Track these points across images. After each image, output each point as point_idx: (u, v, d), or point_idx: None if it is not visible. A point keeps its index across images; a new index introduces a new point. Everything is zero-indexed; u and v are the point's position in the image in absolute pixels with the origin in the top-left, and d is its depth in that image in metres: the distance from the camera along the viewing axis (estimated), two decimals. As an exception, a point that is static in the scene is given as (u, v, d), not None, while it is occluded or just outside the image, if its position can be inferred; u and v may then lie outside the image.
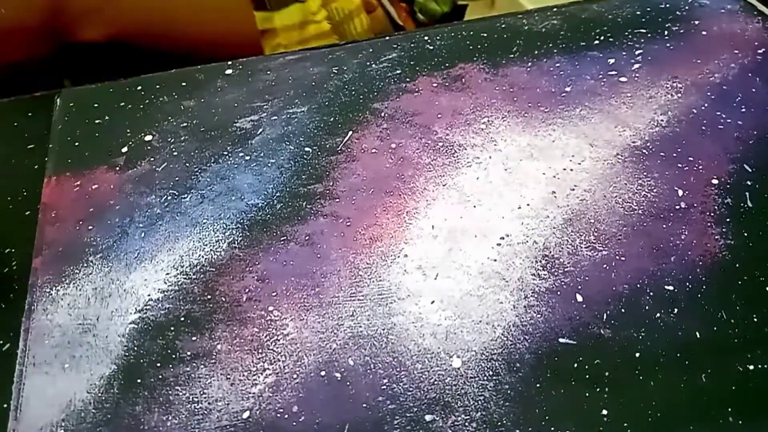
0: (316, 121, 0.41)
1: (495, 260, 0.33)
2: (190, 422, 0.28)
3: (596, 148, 0.38)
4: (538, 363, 0.29)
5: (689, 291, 0.31)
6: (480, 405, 0.28)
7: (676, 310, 0.31)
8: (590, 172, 0.37)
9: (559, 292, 0.32)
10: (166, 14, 0.45)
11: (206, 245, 0.35)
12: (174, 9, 0.44)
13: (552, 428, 0.27)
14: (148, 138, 0.41)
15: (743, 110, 0.39)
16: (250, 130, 0.40)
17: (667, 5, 0.46)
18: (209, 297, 0.33)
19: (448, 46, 0.45)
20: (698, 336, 0.30)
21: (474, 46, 0.45)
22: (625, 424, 0.27)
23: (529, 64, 0.43)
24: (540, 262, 0.33)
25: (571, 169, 0.37)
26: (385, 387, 0.29)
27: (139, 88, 0.44)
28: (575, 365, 0.29)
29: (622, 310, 0.31)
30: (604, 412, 0.28)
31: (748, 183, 0.36)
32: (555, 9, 0.47)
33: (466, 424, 0.28)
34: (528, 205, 0.35)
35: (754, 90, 0.40)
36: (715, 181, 0.36)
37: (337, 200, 0.36)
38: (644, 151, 0.38)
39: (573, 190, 0.36)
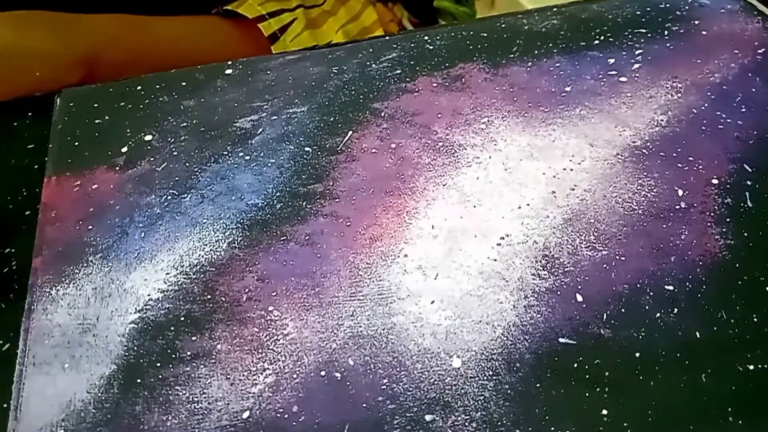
0: (316, 121, 0.41)
1: (495, 260, 0.33)
2: (190, 422, 0.28)
3: (596, 148, 0.38)
4: (538, 363, 0.29)
5: (689, 291, 0.31)
6: (480, 405, 0.28)
7: (676, 310, 0.31)
8: (590, 172, 0.37)
9: (559, 292, 0.32)
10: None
11: (206, 245, 0.35)
12: (199, 61, 0.46)
13: (552, 428, 0.27)
14: (148, 138, 0.41)
15: (743, 110, 0.39)
16: (250, 130, 0.40)
17: (667, 5, 0.46)
18: (209, 297, 0.33)
19: (448, 46, 0.45)
20: (698, 336, 0.30)
21: (474, 46, 0.45)
22: (625, 424, 0.27)
23: (529, 64, 0.43)
24: (540, 262, 0.33)
25: (571, 169, 0.37)
26: (385, 387, 0.29)
27: (139, 88, 0.44)
28: (575, 365, 0.29)
29: (622, 310, 0.31)
30: (604, 412, 0.28)
31: (748, 183, 0.36)
32: (555, 9, 0.47)
33: (466, 424, 0.28)
34: (528, 205, 0.35)
35: (754, 90, 0.40)
36: (715, 181, 0.36)
37: (337, 200, 0.36)
38: (644, 151, 0.38)
39: (573, 190, 0.36)
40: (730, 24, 0.45)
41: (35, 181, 0.39)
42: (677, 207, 0.35)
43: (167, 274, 0.34)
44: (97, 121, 0.42)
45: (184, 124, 0.41)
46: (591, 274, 0.32)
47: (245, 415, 0.29)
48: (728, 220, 0.34)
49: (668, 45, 0.44)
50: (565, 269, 0.32)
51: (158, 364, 0.30)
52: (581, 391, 0.28)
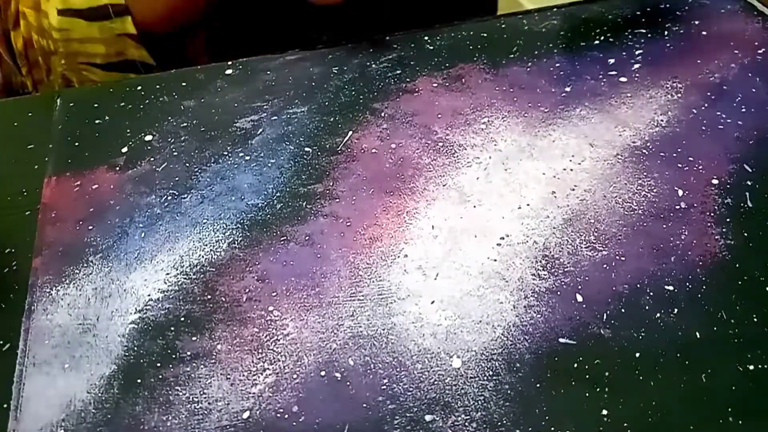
0: (316, 121, 0.41)
1: (495, 260, 0.33)
2: (190, 422, 0.28)
3: (596, 148, 0.38)
4: (538, 363, 0.29)
5: (689, 291, 0.31)
6: (480, 405, 0.28)
7: (676, 310, 0.31)
8: (590, 172, 0.37)
9: (559, 292, 0.32)
10: None
11: (206, 245, 0.35)
12: None
13: (552, 428, 0.27)
14: (148, 138, 0.41)
15: (743, 110, 0.39)
16: (250, 130, 0.40)
17: (667, 5, 0.46)
18: (209, 297, 0.33)
19: (448, 46, 0.45)
20: (698, 336, 0.30)
21: (474, 46, 0.45)
22: (625, 424, 0.27)
23: (529, 64, 0.43)
24: (540, 262, 0.33)
25: (571, 169, 0.37)
26: (385, 387, 0.29)
27: (139, 88, 0.44)
28: (575, 365, 0.29)
29: (622, 310, 0.31)
30: (604, 412, 0.28)
31: (748, 183, 0.36)
32: (555, 9, 0.47)
33: (466, 424, 0.28)
34: (528, 205, 0.35)
35: (754, 90, 0.40)
36: (715, 181, 0.36)
37: (337, 200, 0.36)
38: (644, 151, 0.38)
39: (573, 190, 0.36)
40: (730, 24, 0.45)
41: (35, 181, 0.39)
42: (677, 207, 0.35)
43: (167, 274, 0.34)
44: (97, 121, 0.42)
45: (184, 124, 0.41)
46: (591, 274, 0.32)
47: (245, 415, 0.29)
48: (728, 220, 0.34)
49: (668, 45, 0.44)
50: (565, 269, 0.32)
51: (158, 364, 0.30)
52: (581, 391, 0.28)
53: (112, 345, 0.31)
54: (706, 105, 0.40)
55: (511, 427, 0.28)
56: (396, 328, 0.31)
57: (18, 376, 0.30)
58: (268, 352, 0.30)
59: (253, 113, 0.41)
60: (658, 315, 0.31)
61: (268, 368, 0.30)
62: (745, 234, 0.33)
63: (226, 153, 0.39)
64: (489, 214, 0.35)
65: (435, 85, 0.42)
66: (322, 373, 0.30)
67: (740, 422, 0.27)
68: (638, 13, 0.46)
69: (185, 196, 0.37)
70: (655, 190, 0.36)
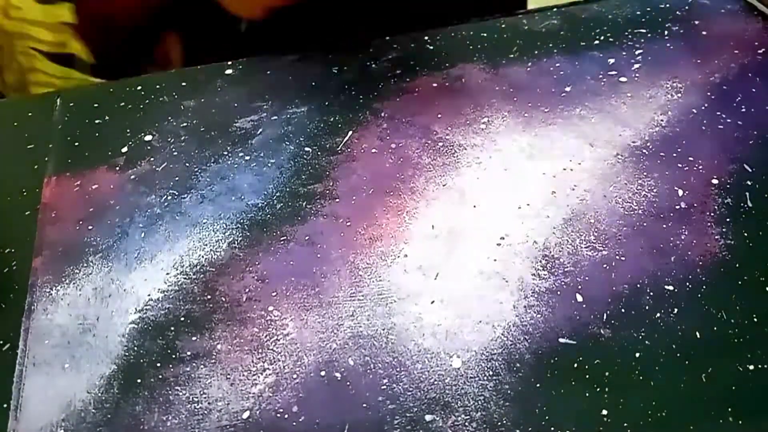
0: (316, 121, 0.41)
1: (495, 260, 0.33)
2: (190, 422, 0.28)
3: (596, 148, 0.38)
4: (538, 363, 0.29)
5: (689, 291, 0.31)
6: (480, 405, 0.28)
7: (676, 310, 0.31)
8: (590, 172, 0.37)
9: (559, 292, 0.32)
10: None
11: (206, 245, 0.35)
12: None
13: (552, 428, 0.27)
14: (148, 138, 0.41)
15: (743, 110, 0.39)
16: (250, 130, 0.40)
17: (667, 5, 0.46)
18: (209, 297, 0.33)
19: (448, 46, 0.45)
20: (698, 336, 0.30)
21: (474, 46, 0.45)
22: (625, 424, 0.27)
23: (529, 64, 0.43)
24: (540, 262, 0.33)
25: (571, 169, 0.37)
26: (385, 387, 0.29)
27: (139, 88, 0.44)
28: (575, 365, 0.29)
29: (622, 310, 0.31)
30: (604, 412, 0.28)
31: (748, 183, 0.36)
32: (555, 9, 0.47)
33: (466, 424, 0.28)
34: (528, 205, 0.35)
35: (754, 90, 0.40)
36: (715, 181, 0.36)
37: (337, 200, 0.36)
38: (644, 151, 0.38)
39: (573, 190, 0.36)
40: (730, 24, 0.45)
41: (35, 181, 0.39)
42: (677, 207, 0.35)
43: (167, 274, 0.34)
44: (97, 121, 0.42)
45: (184, 124, 0.41)
46: (591, 274, 0.32)
47: (245, 415, 0.29)
48: (728, 220, 0.34)
49: (668, 45, 0.44)
50: (565, 269, 0.32)
51: (158, 364, 0.30)
52: (581, 391, 0.28)
53: (112, 345, 0.31)
54: (706, 105, 0.40)
55: (511, 427, 0.28)
56: (396, 328, 0.31)
57: (18, 376, 0.30)
58: (268, 352, 0.30)
59: (253, 113, 0.41)
60: (658, 315, 0.31)
61: (268, 368, 0.30)
62: (745, 234, 0.33)
63: (226, 153, 0.39)
64: (489, 214, 0.35)
65: (435, 85, 0.42)
66: (322, 373, 0.30)
67: (740, 422, 0.27)
68: (638, 13, 0.46)
69: (185, 196, 0.37)
70: (655, 190, 0.36)
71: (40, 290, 0.33)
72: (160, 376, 0.30)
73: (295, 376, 0.30)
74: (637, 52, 0.43)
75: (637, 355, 0.29)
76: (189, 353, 0.31)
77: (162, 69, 0.48)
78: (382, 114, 0.41)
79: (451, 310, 0.31)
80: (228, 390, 0.29)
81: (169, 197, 0.37)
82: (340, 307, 0.32)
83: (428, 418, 0.28)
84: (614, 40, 0.44)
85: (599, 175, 0.37)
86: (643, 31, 0.45)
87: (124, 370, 0.30)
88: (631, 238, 0.33)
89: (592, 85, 0.41)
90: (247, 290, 0.33)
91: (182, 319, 0.32)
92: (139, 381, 0.30)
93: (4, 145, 0.42)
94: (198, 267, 0.34)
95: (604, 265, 0.32)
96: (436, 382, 0.29)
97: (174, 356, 0.31)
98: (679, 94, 0.41)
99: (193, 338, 0.31)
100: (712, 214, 0.34)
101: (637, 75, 0.42)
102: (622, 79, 0.42)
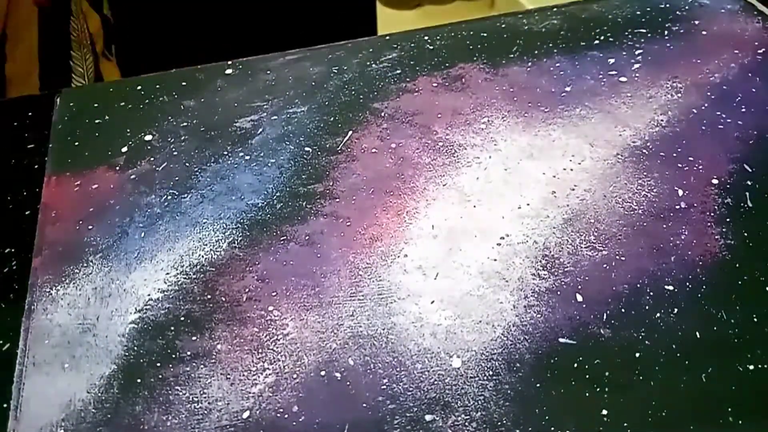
0: (316, 121, 0.41)
1: (495, 260, 0.33)
2: (190, 422, 0.28)
3: (596, 148, 0.38)
4: (538, 363, 0.29)
5: (689, 291, 0.31)
6: (480, 405, 0.28)
7: (676, 310, 0.31)
8: (590, 172, 0.37)
9: (559, 292, 0.32)
10: None
11: (206, 245, 0.35)
12: None
13: (552, 428, 0.27)
14: (148, 138, 0.41)
15: (743, 110, 0.39)
16: (250, 130, 0.40)
17: (667, 5, 0.46)
18: (209, 297, 0.33)
19: (448, 46, 0.45)
20: (698, 336, 0.30)
21: (474, 46, 0.45)
22: (625, 424, 0.27)
23: (529, 64, 0.43)
24: (540, 262, 0.33)
25: (571, 169, 0.37)
26: (385, 387, 0.29)
27: (139, 88, 0.44)
28: (575, 365, 0.29)
29: (622, 310, 0.31)
30: (604, 412, 0.28)
31: (748, 183, 0.36)
32: (555, 9, 0.47)
33: (466, 424, 0.28)
34: (528, 205, 0.35)
35: (754, 90, 0.40)
36: (715, 181, 0.36)
37: (337, 200, 0.36)
38: (644, 151, 0.38)
39: (573, 190, 0.36)
40: (730, 24, 0.45)
41: (35, 181, 0.39)
42: (677, 207, 0.35)
43: (167, 274, 0.34)
44: (97, 121, 0.42)
45: (184, 124, 0.41)
46: (591, 274, 0.32)
47: (245, 415, 0.29)
48: (728, 220, 0.34)
49: (668, 45, 0.44)
50: (565, 269, 0.32)
51: (158, 364, 0.30)
52: (581, 391, 0.28)
53: (112, 345, 0.31)
54: (706, 105, 0.40)
55: (511, 427, 0.28)
56: (396, 328, 0.31)
57: (18, 376, 0.30)
58: (268, 351, 0.30)
59: (253, 113, 0.42)
60: (658, 315, 0.31)
61: (268, 368, 0.30)
62: (745, 234, 0.33)
63: (226, 153, 0.39)
64: (489, 213, 0.35)
65: (435, 85, 0.42)
66: (322, 373, 0.30)
67: (740, 422, 0.27)
68: (638, 13, 0.46)
69: (185, 195, 0.37)
70: (655, 190, 0.36)
71: (40, 290, 0.33)
72: (160, 376, 0.30)
73: (295, 375, 0.30)
74: (637, 52, 0.43)
75: (637, 355, 0.29)
76: (189, 353, 0.31)
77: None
78: (382, 114, 0.41)
79: (451, 310, 0.31)
80: (228, 390, 0.29)
81: (169, 197, 0.37)
82: (340, 307, 0.32)
83: (428, 417, 0.28)
84: (614, 40, 0.44)
85: (599, 175, 0.37)
86: (643, 31, 0.45)
87: (124, 370, 0.30)
88: (631, 238, 0.33)
89: (592, 85, 0.41)
90: (247, 290, 0.33)
91: (182, 319, 0.32)
92: (139, 381, 0.30)
93: (4, 145, 0.42)
94: (198, 267, 0.34)
95: (604, 265, 0.32)
96: (436, 382, 0.29)
97: (174, 356, 0.31)
98: (679, 94, 0.41)
99: (193, 338, 0.31)
100: (712, 214, 0.34)
101: (637, 75, 0.42)
102: (622, 79, 0.42)
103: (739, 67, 0.42)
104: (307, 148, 0.39)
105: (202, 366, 0.30)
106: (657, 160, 0.37)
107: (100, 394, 0.29)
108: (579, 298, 0.31)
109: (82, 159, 0.40)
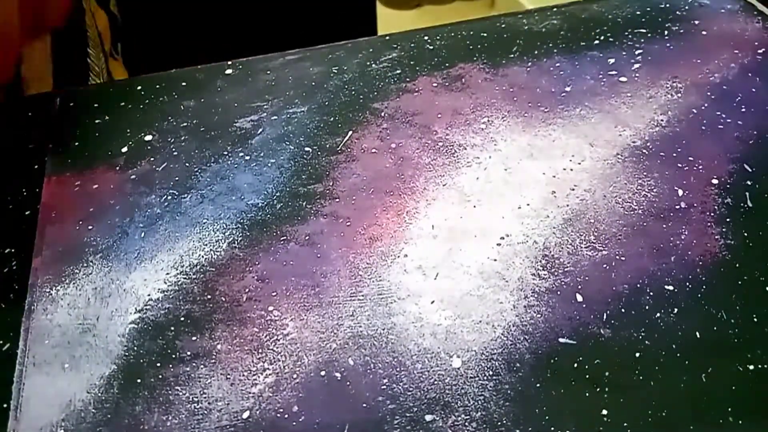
0: (316, 121, 0.41)
1: (495, 260, 0.33)
2: (190, 422, 0.28)
3: (596, 148, 0.38)
4: (538, 363, 0.29)
5: (689, 291, 0.31)
6: (480, 405, 0.28)
7: (676, 310, 0.31)
8: (590, 172, 0.37)
9: (559, 292, 0.32)
10: None
11: (206, 245, 0.35)
12: None
13: (552, 428, 0.27)
14: (148, 138, 0.41)
15: (743, 110, 0.39)
16: (250, 130, 0.40)
17: (667, 5, 0.46)
18: (209, 297, 0.33)
19: (448, 46, 0.45)
20: (698, 336, 0.30)
21: (474, 46, 0.45)
22: (625, 424, 0.27)
23: (529, 64, 0.43)
24: (540, 262, 0.33)
25: (571, 169, 0.37)
26: (385, 387, 0.29)
27: (139, 88, 0.44)
28: (575, 365, 0.29)
29: (622, 310, 0.31)
30: (604, 412, 0.28)
31: (748, 183, 0.36)
32: (555, 9, 0.47)
33: (466, 424, 0.28)
34: (528, 205, 0.35)
35: (754, 90, 0.40)
36: (715, 181, 0.36)
37: (337, 200, 0.36)
38: (644, 151, 0.38)
39: (573, 190, 0.36)
40: (730, 24, 0.45)
41: (35, 181, 0.39)
42: (677, 207, 0.35)
43: (167, 274, 0.34)
44: (97, 121, 0.42)
45: (184, 124, 0.41)
46: (591, 274, 0.32)
47: (245, 415, 0.29)
48: (728, 220, 0.34)
49: (668, 45, 0.44)
50: (565, 269, 0.32)
51: (158, 364, 0.30)
52: (581, 391, 0.28)
53: (112, 345, 0.31)
54: (706, 105, 0.40)
55: (511, 427, 0.28)
56: (396, 328, 0.31)
57: (18, 376, 0.30)
58: (268, 352, 0.30)
59: (253, 113, 0.42)
60: (658, 315, 0.31)
61: (268, 368, 0.30)
62: (745, 234, 0.33)
63: (226, 153, 0.39)
64: (489, 214, 0.35)
65: (435, 85, 0.42)
66: (322, 373, 0.30)
67: (740, 422, 0.27)
68: (638, 13, 0.46)
69: (185, 196, 0.37)
70: (655, 190, 0.36)
71: (40, 290, 0.33)
72: (160, 376, 0.30)
73: (295, 376, 0.30)
74: (637, 52, 0.43)
75: (637, 355, 0.29)
76: (189, 353, 0.31)
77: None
78: (382, 114, 0.41)
79: (451, 310, 0.31)
80: (228, 390, 0.29)
81: (169, 197, 0.37)
82: (340, 307, 0.32)
83: (428, 418, 0.28)
84: (614, 40, 0.44)
85: (599, 175, 0.37)
86: (643, 31, 0.45)
87: (124, 370, 0.30)
88: (631, 238, 0.34)
89: (592, 85, 0.41)
90: (247, 290, 0.33)
91: (182, 319, 0.32)
92: (139, 381, 0.30)
93: (4, 145, 0.42)
94: (198, 267, 0.34)
95: (604, 265, 0.33)
96: (436, 382, 0.29)
97: (174, 356, 0.31)
98: (679, 94, 0.41)
99: (193, 338, 0.31)
100: (712, 214, 0.34)
101: (637, 75, 0.42)
102: (622, 79, 0.42)
103: (739, 67, 0.42)
104: (307, 148, 0.39)
105: (202, 366, 0.30)
106: (657, 160, 0.37)
107: (100, 394, 0.29)
108: (579, 298, 0.31)
109: (82, 159, 0.40)
